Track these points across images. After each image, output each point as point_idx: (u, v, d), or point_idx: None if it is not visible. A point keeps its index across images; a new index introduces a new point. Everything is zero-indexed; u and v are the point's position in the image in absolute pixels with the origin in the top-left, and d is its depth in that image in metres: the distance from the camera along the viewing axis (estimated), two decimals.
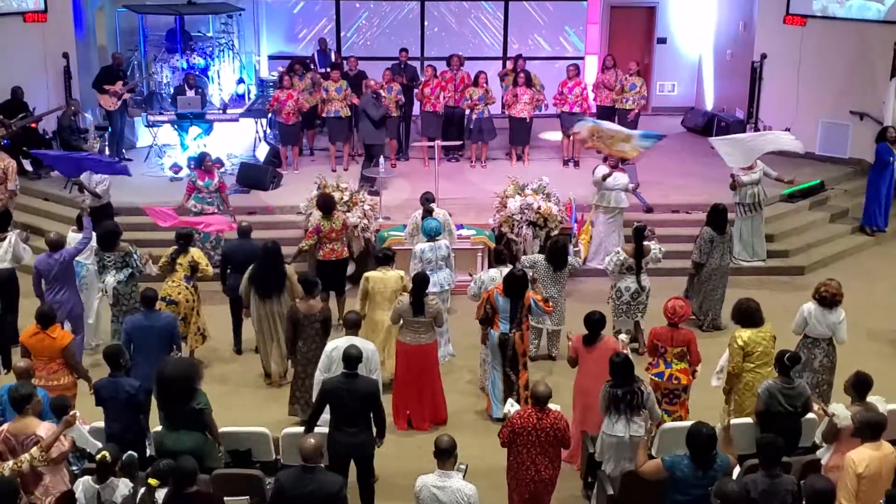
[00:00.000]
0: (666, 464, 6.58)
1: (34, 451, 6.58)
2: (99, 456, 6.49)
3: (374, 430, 7.61)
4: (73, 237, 10.47)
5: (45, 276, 9.70)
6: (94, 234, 10.11)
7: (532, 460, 7.21)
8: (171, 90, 15.81)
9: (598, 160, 12.91)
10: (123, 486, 6.49)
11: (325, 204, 10.96)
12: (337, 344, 8.21)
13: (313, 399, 8.14)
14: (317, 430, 7.79)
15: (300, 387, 9.12)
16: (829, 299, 8.67)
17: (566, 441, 7.32)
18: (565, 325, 10.26)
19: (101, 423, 7.62)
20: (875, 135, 13.90)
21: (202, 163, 12.43)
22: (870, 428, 6.65)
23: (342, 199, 11.92)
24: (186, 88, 15.10)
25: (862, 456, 6.57)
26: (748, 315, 8.32)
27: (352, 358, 7.51)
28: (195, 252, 10.13)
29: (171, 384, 7.20)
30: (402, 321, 9.15)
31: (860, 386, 7.27)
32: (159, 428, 7.35)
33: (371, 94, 14.21)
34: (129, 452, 6.78)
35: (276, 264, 9.82)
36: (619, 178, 12.23)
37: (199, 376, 7.37)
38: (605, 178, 12.08)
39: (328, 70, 15.58)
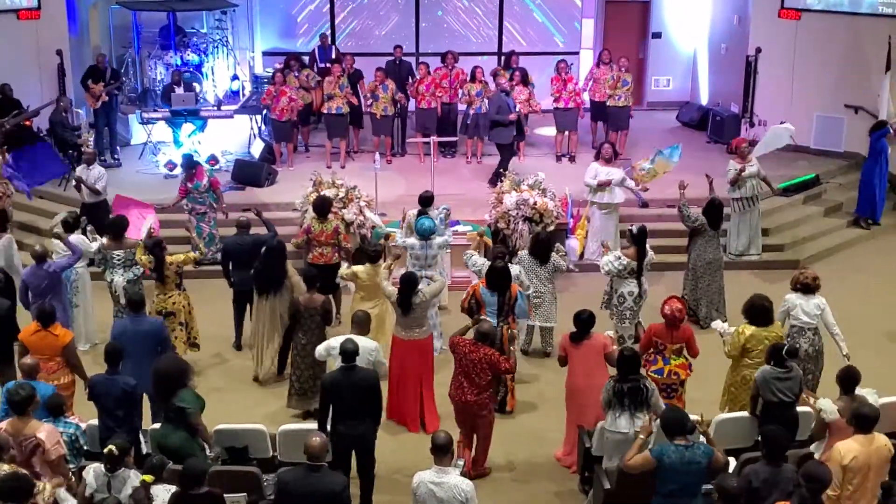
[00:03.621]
0: (654, 453, 6.62)
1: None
2: (106, 451, 6.48)
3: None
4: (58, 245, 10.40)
5: (33, 290, 9.63)
6: (82, 251, 10.10)
7: (459, 382, 8.02)
8: (163, 87, 15.77)
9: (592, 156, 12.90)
10: (134, 476, 6.48)
11: (320, 206, 10.74)
12: (331, 344, 8.24)
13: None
14: (313, 426, 7.84)
15: (298, 378, 9.18)
16: (809, 286, 8.80)
17: (496, 365, 7.99)
18: (557, 322, 10.27)
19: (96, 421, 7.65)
20: (869, 128, 13.95)
21: (191, 168, 12.29)
22: (860, 421, 6.67)
23: (337, 195, 11.87)
24: (174, 86, 15.08)
25: (849, 448, 6.59)
26: (760, 313, 8.32)
27: (348, 352, 7.54)
28: (174, 258, 9.80)
29: (159, 379, 7.32)
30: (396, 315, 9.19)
31: (847, 380, 7.28)
32: (158, 426, 7.40)
33: (502, 94, 14.08)
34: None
35: (276, 262, 9.80)
36: (614, 174, 12.22)
37: (187, 375, 7.36)
38: (600, 184, 12.15)
39: (327, 66, 15.55)
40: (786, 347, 7.67)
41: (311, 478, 6.36)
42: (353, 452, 7.65)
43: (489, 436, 8.30)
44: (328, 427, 7.54)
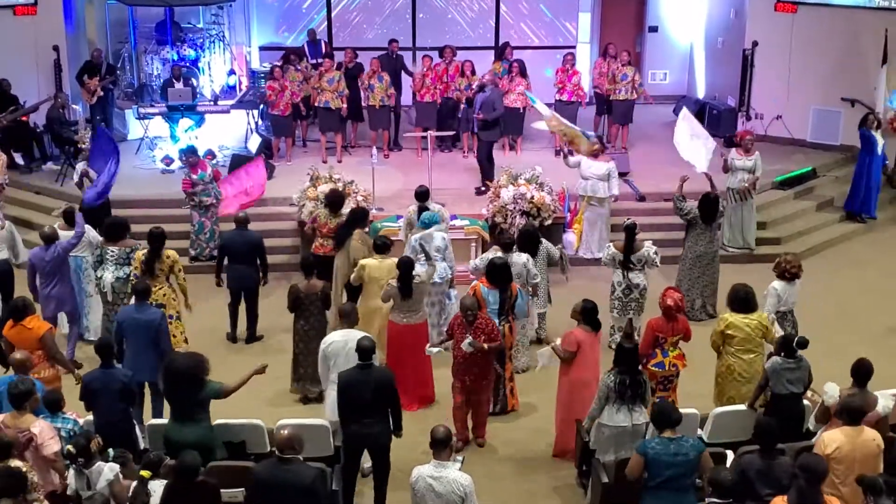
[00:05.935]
0: (639, 449, 6.64)
1: None
2: (65, 453, 6.54)
3: (392, 421, 7.55)
4: (62, 235, 10.38)
5: (40, 271, 9.64)
6: (86, 228, 10.06)
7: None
8: (162, 82, 15.76)
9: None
10: (108, 470, 6.51)
11: (333, 201, 10.84)
12: (333, 339, 8.21)
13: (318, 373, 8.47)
14: (313, 422, 7.85)
15: (302, 363, 9.29)
16: (795, 274, 9.08)
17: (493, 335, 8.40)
18: (551, 307, 10.35)
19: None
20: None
21: (191, 155, 12.25)
22: (847, 412, 6.70)
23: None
24: (174, 80, 15.06)
25: (833, 438, 6.62)
26: (740, 300, 8.40)
27: (366, 349, 7.45)
28: (171, 253, 9.73)
29: (178, 377, 7.29)
30: (392, 302, 9.25)
31: (860, 372, 7.29)
32: (157, 420, 7.41)
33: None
34: (120, 449, 6.82)
35: (356, 224, 10.34)
36: (596, 167, 12.18)
37: (205, 369, 7.39)
38: (565, 158, 12.41)
39: (318, 61, 15.53)
40: (797, 338, 7.73)
41: (281, 470, 6.42)
42: (368, 452, 7.60)
43: (486, 402, 8.67)
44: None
